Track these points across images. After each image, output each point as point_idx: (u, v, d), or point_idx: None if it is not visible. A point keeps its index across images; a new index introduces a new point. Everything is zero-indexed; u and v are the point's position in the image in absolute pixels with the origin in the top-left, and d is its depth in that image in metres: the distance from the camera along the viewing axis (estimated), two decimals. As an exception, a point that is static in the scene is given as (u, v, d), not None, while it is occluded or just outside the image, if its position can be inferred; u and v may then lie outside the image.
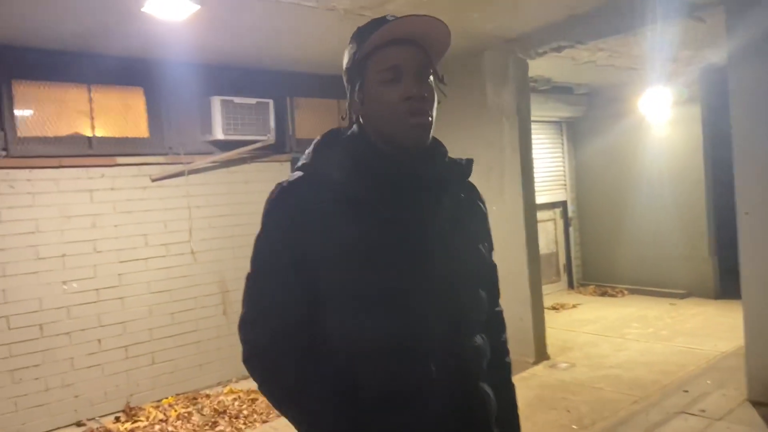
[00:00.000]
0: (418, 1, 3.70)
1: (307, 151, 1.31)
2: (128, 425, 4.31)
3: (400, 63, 1.24)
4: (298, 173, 1.27)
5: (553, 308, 7.09)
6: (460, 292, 1.29)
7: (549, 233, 8.09)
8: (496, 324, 1.47)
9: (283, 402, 1.24)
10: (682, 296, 7.22)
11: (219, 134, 4.98)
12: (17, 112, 4.25)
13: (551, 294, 7.62)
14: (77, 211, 4.47)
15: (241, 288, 1.28)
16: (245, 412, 4.41)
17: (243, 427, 4.21)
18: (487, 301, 1.38)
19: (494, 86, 5.28)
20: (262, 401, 4.50)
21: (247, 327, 1.25)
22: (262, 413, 4.38)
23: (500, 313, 1.52)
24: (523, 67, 5.21)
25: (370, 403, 1.20)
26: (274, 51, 4.87)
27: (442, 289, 1.24)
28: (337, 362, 1.21)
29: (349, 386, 1.20)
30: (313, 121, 5.78)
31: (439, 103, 1.31)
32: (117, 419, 4.45)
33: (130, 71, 4.69)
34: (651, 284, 7.55)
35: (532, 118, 5.42)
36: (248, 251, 1.28)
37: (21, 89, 4.27)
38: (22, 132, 4.26)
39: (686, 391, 4.29)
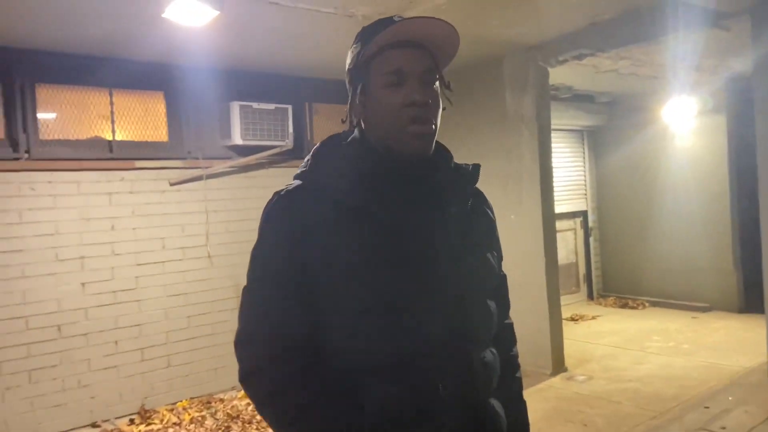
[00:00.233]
0: (438, 8, 3.69)
1: (306, 159, 1.26)
2: (142, 428, 4.33)
3: (404, 66, 1.18)
4: (297, 182, 1.22)
5: (572, 319, 6.99)
6: (468, 304, 1.22)
7: (569, 243, 7.99)
8: (506, 337, 1.41)
9: (282, 425, 1.14)
10: (704, 309, 7.07)
11: (237, 139, 5.01)
12: (40, 115, 4.32)
13: (570, 305, 7.53)
14: (96, 213, 4.52)
15: None
16: (258, 417, 4.41)
17: (255, 432, 4.21)
18: (496, 313, 1.32)
19: (514, 94, 5.23)
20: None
21: (243, 344, 1.17)
22: (274, 419, 4.36)
23: (510, 325, 1.46)
24: (544, 74, 5.16)
25: (376, 422, 1.12)
26: (292, 57, 4.89)
27: (450, 302, 1.18)
28: (341, 380, 1.13)
29: (355, 405, 1.12)
30: (331, 126, 5.78)
31: (444, 109, 1.25)
32: (131, 421, 4.48)
33: (150, 76, 4.75)
34: (673, 297, 7.41)
35: (553, 127, 5.38)
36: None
37: (44, 93, 4.34)
38: (44, 135, 4.33)
39: (707, 408, 4.19)
